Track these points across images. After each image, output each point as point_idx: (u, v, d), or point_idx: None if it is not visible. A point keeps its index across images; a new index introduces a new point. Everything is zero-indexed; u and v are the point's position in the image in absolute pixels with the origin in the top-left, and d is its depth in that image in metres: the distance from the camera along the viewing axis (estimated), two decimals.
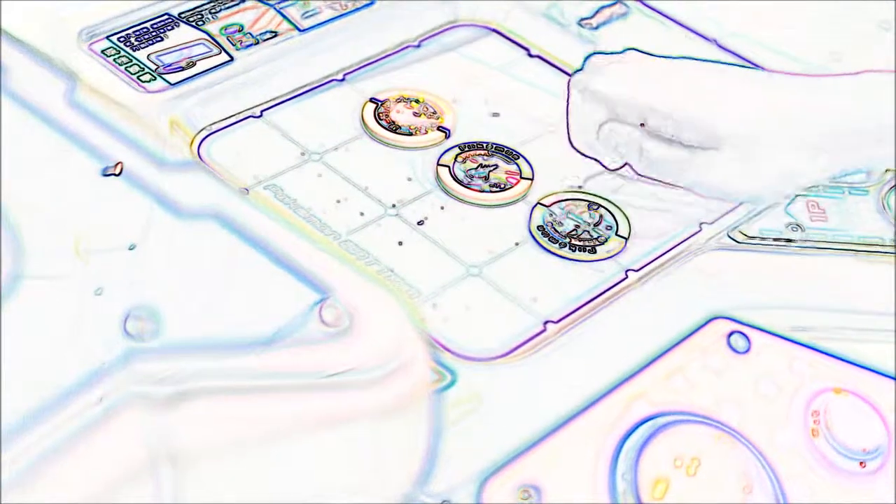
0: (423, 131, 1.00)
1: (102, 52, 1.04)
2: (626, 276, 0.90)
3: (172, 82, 1.02)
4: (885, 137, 0.95)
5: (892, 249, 0.93)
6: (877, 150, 0.95)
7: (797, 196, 0.95)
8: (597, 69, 0.97)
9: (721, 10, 1.13)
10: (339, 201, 0.94)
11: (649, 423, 0.81)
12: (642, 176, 0.95)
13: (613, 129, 0.95)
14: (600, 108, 0.94)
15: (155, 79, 1.02)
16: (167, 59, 1.04)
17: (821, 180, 0.94)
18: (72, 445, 0.77)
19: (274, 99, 1.02)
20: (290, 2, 1.11)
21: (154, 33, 1.06)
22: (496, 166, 0.97)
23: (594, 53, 1.01)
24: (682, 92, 0.95)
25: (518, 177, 0.97)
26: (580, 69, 1.00)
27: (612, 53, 1.01)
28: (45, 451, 0.76)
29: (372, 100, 1.02)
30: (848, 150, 0.94)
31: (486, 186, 0.96)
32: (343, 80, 1.05)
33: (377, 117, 1.01)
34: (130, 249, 0.88)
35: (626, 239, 0.92)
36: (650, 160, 0.94)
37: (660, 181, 0.95)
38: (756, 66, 1.07)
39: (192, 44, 1.06)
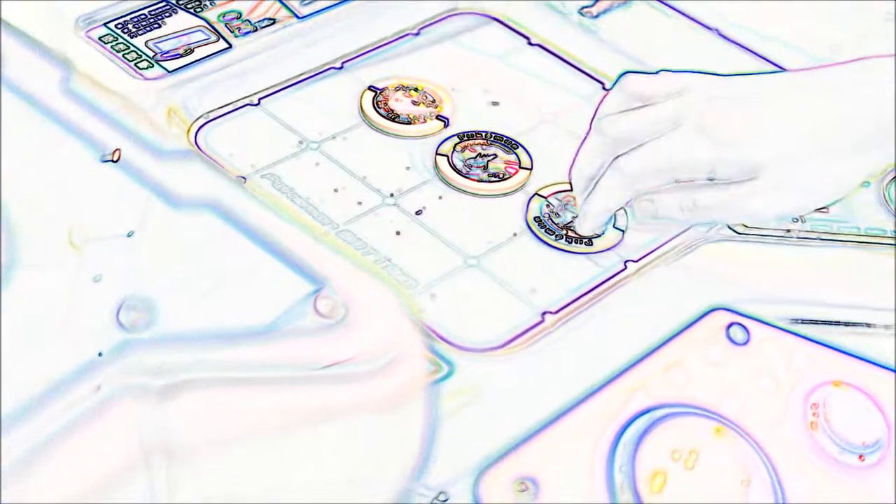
0: (422, 120, 1.00)
1: (100, 38, 1.03)
2: (626, 268, 0.90)
3: (170, 69, 1.01)
4: None
5: (892, 241, 0.92)
6: None
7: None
8: (616, 119, 0.89)
9: None
10: (336, 190, 0.94)
11: (647, 415, 0.81)
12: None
13: (650, 203, 0.91)
14: (623, 188, 0.89)
15: (152, 66, 1.01)
16: (165, 46, 1.04)
17: (877, 172, 0.92)
18: (67, 436, 0.77)
19: (272, 87, 1.02)
20: None
21: (152, 20, 1.06)
22: (495, 156, 0.97)
23: (627, 72, 0.93)
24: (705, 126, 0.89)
25: (517, 166, 0.96)
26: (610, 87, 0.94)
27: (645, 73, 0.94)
28: (41, 441, 0.76)
29: (371, 88, 1.02)
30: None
31: (484, 176, 0.95)
32: (342, 68, 1.04)
33: (376, 106, 1.00)
34: (129, 236, 0.88)
35: (624, 231, 0.91)
36: (693, 212, 0.90)
37: (708, 224, 0.92)
38: (777, 66, 1.06)
39: (190, 31, 1.05)
